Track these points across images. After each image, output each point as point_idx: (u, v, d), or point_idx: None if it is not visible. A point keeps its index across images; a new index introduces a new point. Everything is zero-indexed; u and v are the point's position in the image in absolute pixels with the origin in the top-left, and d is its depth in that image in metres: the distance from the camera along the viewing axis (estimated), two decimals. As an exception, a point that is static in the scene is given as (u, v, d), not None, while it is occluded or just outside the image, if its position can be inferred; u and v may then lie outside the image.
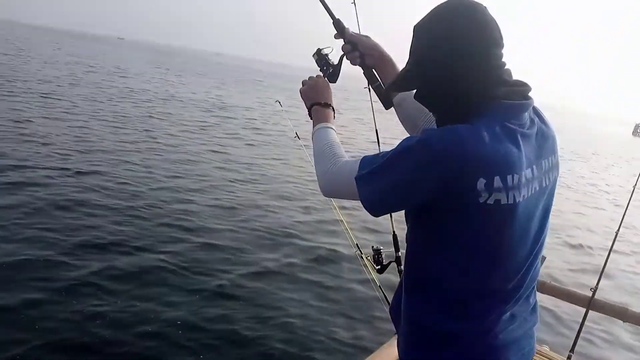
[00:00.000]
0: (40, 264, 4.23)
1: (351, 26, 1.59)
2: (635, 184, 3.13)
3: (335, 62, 1.56)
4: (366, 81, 1.58)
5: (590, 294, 2.63)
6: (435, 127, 1.23)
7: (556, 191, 1.25)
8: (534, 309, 1.29)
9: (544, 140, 1.19)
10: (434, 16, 1.18)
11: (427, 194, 1.09)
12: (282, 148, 12.32)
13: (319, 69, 1.57)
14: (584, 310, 2.66)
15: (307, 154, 1.74)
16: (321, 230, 6.35)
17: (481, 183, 1.04)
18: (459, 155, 1.04)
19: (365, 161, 1.18)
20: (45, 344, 3.22)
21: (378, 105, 1.65)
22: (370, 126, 2.33)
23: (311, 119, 1.46)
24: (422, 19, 1.20)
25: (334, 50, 1.59)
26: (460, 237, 1.12)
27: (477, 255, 1.13)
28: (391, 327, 1.42)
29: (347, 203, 6.60)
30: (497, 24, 1.15)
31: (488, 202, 1.05)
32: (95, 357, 3.23)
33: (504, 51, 1.16)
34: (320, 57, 1.55)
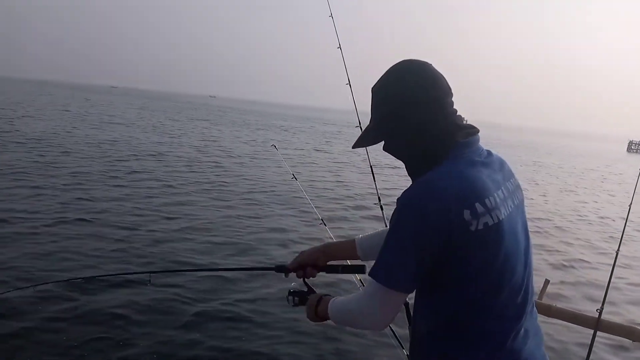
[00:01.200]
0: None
1: (331, 39, 1.72)
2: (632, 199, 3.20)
3: (304, 288, 1.69)
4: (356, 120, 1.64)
5: (596, 314, 2.63)
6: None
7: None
8: (537, 324, 1.35)
9: (501, 166, 1.33)
10: (392, 77, 1.31)
11: (434, 249, 1.16)
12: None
13: (301, 302, 1.65)
14: (591, 331, 2.65)
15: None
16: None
17: (467, 214, 1.15)
18: (441, 204, 1.14)
19: (372, 267, 1.25)
20: None
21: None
22: (363, 157, 2.38)
23: (326, 318, 1.48)
24: (380, 81, 1.34)
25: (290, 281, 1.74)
26: (465, 269, 1.18)
27: (486, 280, 1.19)
28: (400, 355, 1.41)
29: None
30: (444, 76, 1.29)
31: (478, 227, 1.16)
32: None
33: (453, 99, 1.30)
34: (295, 295, 1.68)
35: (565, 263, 7.85)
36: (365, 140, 1.39)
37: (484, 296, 1.20)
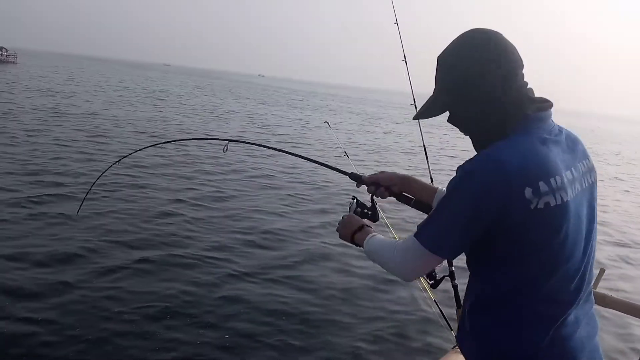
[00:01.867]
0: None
1: (396, 47, 1.66)
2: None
3: (369, 205, 1.74)
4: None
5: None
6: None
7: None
8: (593, 313, 1.31)
9: (574, 145, 1.28)
10: (463, 45, 1.27)
11: (487, 223, 1.14)
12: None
13: (361, 216, 1.70)
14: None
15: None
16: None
17: (528, 191, 1.11)
18: (503, 177, 1.11)
19: (420, 223, 1.25)
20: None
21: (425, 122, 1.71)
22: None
23: (357, 245, 1.53)
24: (448, 49, 1.29)
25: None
26: (520, 247, 1.16)
27: (540, 261, 1.17)
28: (448, 337, 1.42)
29: (396, 218, 6.57)
30: (515, 47, 1.24)
31: (538, 206, 1.12)
32: None
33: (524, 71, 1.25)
34: (358, 205, 1.72)
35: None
36: (430, 110, 1.35)
37: (536, 277, 1.17)
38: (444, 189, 1.64)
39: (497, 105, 1.23)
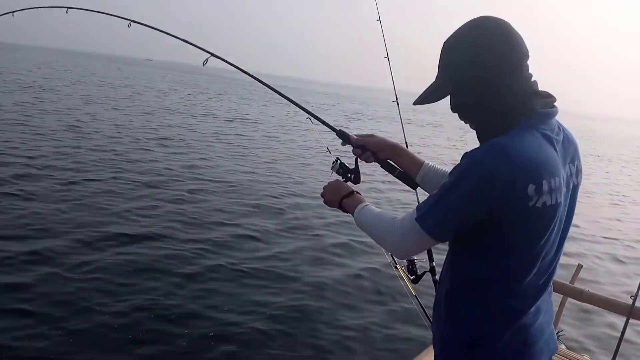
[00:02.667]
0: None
1: (378, 43, 1.66)
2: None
3: (352, 167, 1.70)
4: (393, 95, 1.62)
5: (630, 301, 2.58)
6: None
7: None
8: (551, 302, 1.36)
9: (569, 146, 1.26)
10: (469, 33, 1.24)
11: (485, 212, 1.14)
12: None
13: (341, 177, 1.68)
14: (624, 318, 2.61)
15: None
16: (354, 243, 6.36)
17: (531, 188, 1.11)
18: (509, 170, 1.10)
19: (420, 205, 1.24)
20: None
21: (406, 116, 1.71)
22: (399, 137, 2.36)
23: (345, 211, 1.52)
24: (455, 36, 1.26)
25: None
26: (509, 241, 1.18)
27: (525, 256, 1.20)
28: (427, 335, 1.44)
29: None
30: (522, 37, 1.22)
31: (537, 205, 1.13)
32: None
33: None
34: (341, 166, 1.69)
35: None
36: (431, 96, 1.33)
37: (517, 270, 1.21)
38: (430, 163, 1.65)
39: (503, 96, 1.20)
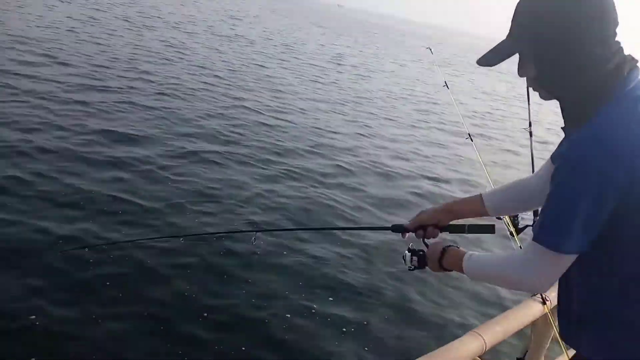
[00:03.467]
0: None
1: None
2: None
3: (422, 251, 1.61)
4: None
5: None
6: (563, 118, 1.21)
7: None
8: None
9: None
10: None
11: (608, 210, 1.06)
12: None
13: (419, 263, 1.59)
14: None
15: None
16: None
17: None
18: (619, 161, 1.03)
19: (535, 225, 1.17)
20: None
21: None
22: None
23: (450, 269, 1.45)
24: None
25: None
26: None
27: None
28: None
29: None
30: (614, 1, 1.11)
31: None
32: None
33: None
34: (413, 253, 1.60)
35: None
36: (499, 56, 1.21)
37: None
38: (488, 190, 1.62)
39: (596, 64, 1.09)
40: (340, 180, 6.40)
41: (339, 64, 19.49)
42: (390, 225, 1.69)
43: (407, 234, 1.65)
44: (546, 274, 1.15)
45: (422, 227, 1.61)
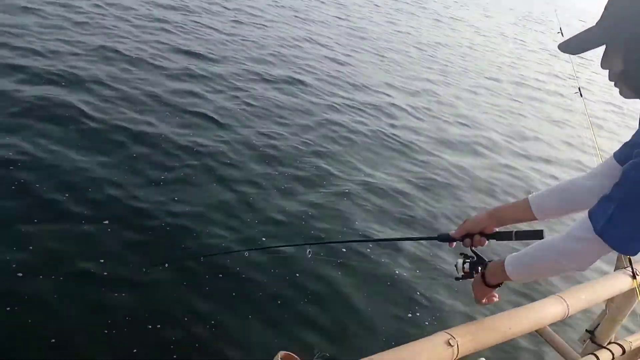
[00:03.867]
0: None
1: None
2: None
3: (472, 257, 1.61)
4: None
5: None
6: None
7: None
8: None
9: None
10: None
11: None
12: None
13: (469, 270, 1.59)
14: None
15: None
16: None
17: None
18: None
19: (596, 214, 1.14)
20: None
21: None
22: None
23: (499, 284, 1.46)
24: None
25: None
26: None
27: None
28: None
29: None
30: None
31: None
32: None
33: None
34: (467, 258, 1.61)
35: None
36: (584, 45, 1.13)
37: None
38: (533, 194, 1.54)
39: None
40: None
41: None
42: (436, 235, 1.70)
43: (454, 243, 1.65)
44: (593, 260, 1.19)
45: (469, 236, 1.60)
